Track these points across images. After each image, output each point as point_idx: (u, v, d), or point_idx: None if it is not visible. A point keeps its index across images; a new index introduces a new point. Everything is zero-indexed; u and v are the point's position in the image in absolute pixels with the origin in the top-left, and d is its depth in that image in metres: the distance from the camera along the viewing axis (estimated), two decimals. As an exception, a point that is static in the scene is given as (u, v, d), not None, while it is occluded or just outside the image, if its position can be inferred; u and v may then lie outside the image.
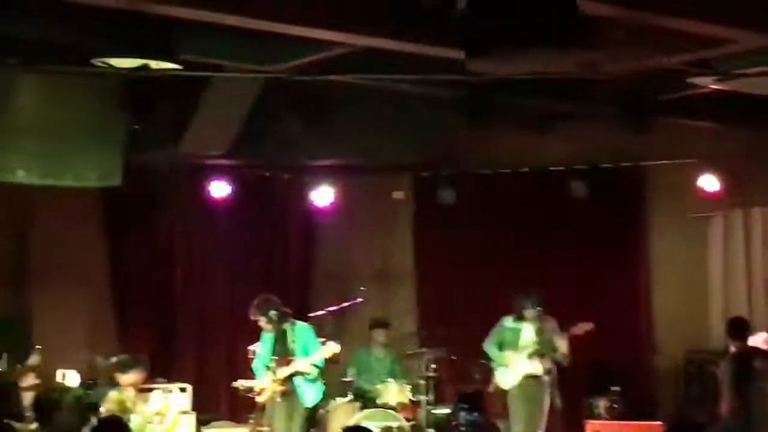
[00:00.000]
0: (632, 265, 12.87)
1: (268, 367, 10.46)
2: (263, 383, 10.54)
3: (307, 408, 10.57)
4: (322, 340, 10.86)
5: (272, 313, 10.46)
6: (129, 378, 10.28)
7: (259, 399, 10.63)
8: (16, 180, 9.50)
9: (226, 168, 12.51)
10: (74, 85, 9.20)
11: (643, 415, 11.42)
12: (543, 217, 12.93)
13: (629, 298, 12.86)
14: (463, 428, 11.65)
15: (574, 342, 10.75)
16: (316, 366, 10.41)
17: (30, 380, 9.64)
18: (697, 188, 12.15)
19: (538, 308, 10.67)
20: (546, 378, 10.68)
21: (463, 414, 11.85)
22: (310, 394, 10.51)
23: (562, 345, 10.65)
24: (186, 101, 9.91)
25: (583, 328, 10.70)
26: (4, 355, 10.33)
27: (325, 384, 10.92)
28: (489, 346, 11.04)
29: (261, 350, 10.71)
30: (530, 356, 10.76)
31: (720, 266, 12.46)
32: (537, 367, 10.74)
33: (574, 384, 11.67)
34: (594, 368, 12.05)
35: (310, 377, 10.43)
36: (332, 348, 10.45)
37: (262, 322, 10.54)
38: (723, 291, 12.43)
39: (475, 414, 11.78)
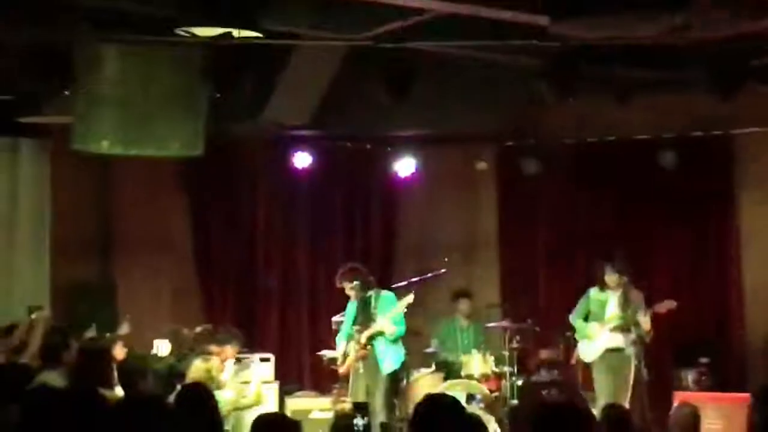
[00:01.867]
0: (721, 236, 12.63)
1: (350, 335, 10.48)
2: (346, 351, 10.56)
3: (388, 377, 10.55)
4: (405, 311, 10.86)
5: (356, 282, 10.50)
6: (224, 352, 10.37)
7: (340, 369, 10.66)
8: (101, 150, 9.59)
9: (308, 138, 12.51)
10: (157, 56, 9.25)
11: (731, 388, 11.22)
12: (629, 187, 12.75)
13: (718, 269, 12.64)
14: (544, 388, 11.53)
15: (658, 319, 10.60)
16: (396, 325, 10.39)
17: (120, 349, 9.77)
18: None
19: (623, 276, 10.52)
20: (630, 351, 10.53)
21: (543, 373, 11.76)
22: (389, 359, 10.49)
23: (645, 322, 10.49)
24: (268, 71, 9.91)
25: (666, 306, 10.55)
26: (93, 324, 10.48)
27: (407, 355, 10.92)
28: (575, 318, 10.97)
29: (346, 319, 10.75)
30: (613, 330, 10.64)
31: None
32: (619, 341, 10.61)
33: (662, 356, 11.57)
34: (682, 340, 11.88)
35: (390, 338, 10.42)
36: (407, 299, 10.44)
37: (348, 288, 10.56)
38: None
39: (555, 372, 11.68)
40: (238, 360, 10.93)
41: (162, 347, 10.69)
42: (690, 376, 11.60)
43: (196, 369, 9.64)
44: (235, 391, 9.80)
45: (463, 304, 12.10)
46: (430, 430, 4.35)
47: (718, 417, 10.19)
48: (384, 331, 10.44)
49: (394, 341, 10.52)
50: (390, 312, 10.44)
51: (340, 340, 10.80)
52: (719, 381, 11.56)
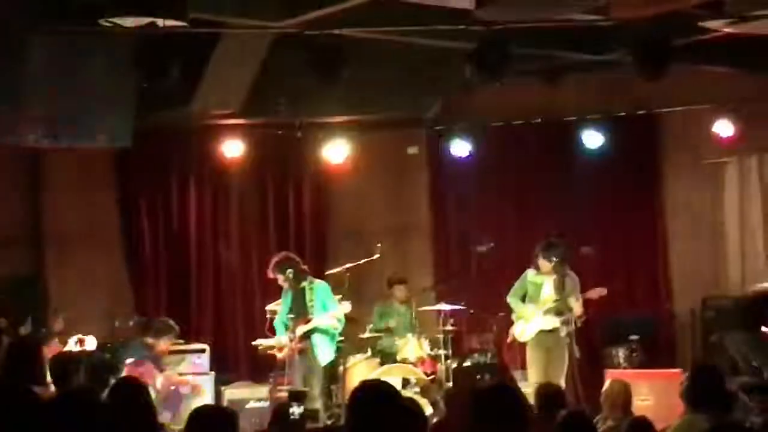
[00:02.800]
0: (648, 212, 12.80)
1: (286, 325, 10.50)
2: (283, 341, 10.58)
3: (325, 367, 10.63)
4: (339, 297, 10.90)
5: (289, 271, 10.50)
6: (160, 344, 10.34)
7: (279, 356, 10.67)
8: (28, 143, 9.48)
9: (237, 127, 12.46)
10: (84, 46, 9.14)
11: (662, 363, 11.40)
12: (557, 168, 12.87)
13: (645, 246, 12.80)
14: (477, 373, 11.63)
15: (589, 303, 10.75)
16: (340, 323, 10.49)
17: (55, 345, 9.70)
18: (711, 134, 12.04)
19: (557, 261, 10.63)
20: (563, 331, 10.64)
21: (476, 355, 11.86)
22: (326, 352, 10.57)
23: (577, 306, 10.64)
24: (196, 60, 9.86)
25: (597, 292, 10.71)
26: (29, 319, 10.40)
27: (342, 341, 10.97)
28: (512, 299, 11.06)
29: (281, 308, 10.76)
30: (546, 312, 10.76)
31: (736, 212, 12.37)
32: (553, 322, 10.73)
33: (592, 334, 11.70)
34: (613, 318, 12.02)
35: (329, 334, 10.48)
36: (344, 308, 10.55)
37: (281, 280, 10.58)
38: (739, 236, 12.35)
39: (488, 355, 11.78)
40: (174, 352, 10.92)
41: (88, 341, 10.61)
42: (621, 354, 11.72)
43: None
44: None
45: (400, 291, 12.11)
46: (366, 417, 4.38)
47: (649, 393, 10.36)
48: (323, 327, 10.47)
49: (331, 337, 10.59)
50: (331, 306, 10.47)
51: (278, 328, 10.79)
52: (649, 358, 11.71)
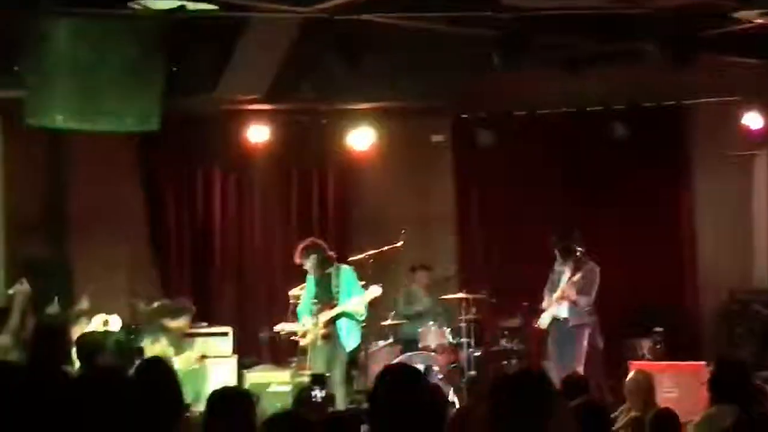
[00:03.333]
0: (675, 204, 12.75)
1: (310, 310, 10.50)
2: (306, 326, 10.58)
3: (349, 353, 10.63)
4: (363, 283, 10.90)
5: (313, 256, 10.49)
6: (178, 324, 10.40)
7: (302, 342, 10.67)
8: (55, 125, 9.49)
9: (264, 112, 12.46)
10: (111, 29, 9.15)
11: (686, 356, 11.34)
12: (583, 158, 12.83)
13: (672, 238, 12.75)
14: (504, 358, 11.63)
15: (611, 283, 10.72)
16: (365, 309, 10.48)
17: (83, 324, 9.74)
18: (740, 126, 11.96)
19: (572, 250, 10.63)
20: (571, 322, 10.65)
21: (503, 341, 11.85)
22: (351, 337, 10.56)
23: (570, 293, 10.68)
24: (224, 44, 9.86)
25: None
26: (55, 299, 10.44)
27: (365, 327, 10.97)
28: (547, 288, 11.08)
29: (305, 293, 10.76)
30: (557, 300, 10.77)
31: (764, 204, 12.31)
32: (563, 311, 10.74)
33: (617, 325, 11.65)
34: (637, 309, 11.98)
35: (356, 319, 10.47)
36: (373, 292, 10.50)
37: (307, 265, 10.55)
38: (767, 230, 12.28)
39: (516, 341, 11.78)
40: (196, 334, 10.96)
41: (112, 322, 10.66)
42: (645, 345, 11.69)
43: (151, 350, 9.67)
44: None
45: (423, 277, 12.11)
46: (391, 400, 4.36)
47: (673, 385, 10.29)
48: (349, 312, 10.46)
49: (357, 323, 10.58)
50: (356, 297, 10.45)
51: (302, 314, 10.79)
52: (674, 350, 11.66)
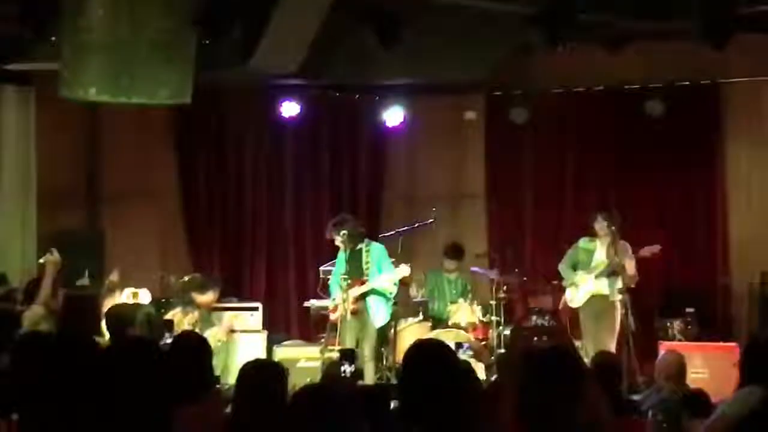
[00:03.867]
0: (708, 186, 12.63)
1: (340, 286, 10.50)
2: (336, 301, 10.59)
3: (379, 329, 10.63)
4: (393, 260, 10.88)
5: (343, 232, 10.47)
6: (206, 297, 10.46)
7: (332, 317, 10.67)
8: (88, 97, 9.49)
9: (295, 87, 12.44)
10: (145, 1, 9.14)
11: (717, 337, 11.28)
12: (618, 136, 12.75)
13: (705, 218, 12.64)
14: (535, 335, 11.60)
15: (643, 264, 10.66)
16: (396, 286, 10.47)
17: (113, 297, 9.80)
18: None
19: (612, 227, 10.59)
20: (615, 297, 10.62)
21: (534, 318, 11.82)
22: (380, 314, 10.56)
23: (630, 267, 10.60)
24: (256, 18, 9.82)
25: (650, 250, 10.64)
26: (86, 271, 10.48)
27: (396, 304, 10.96)
28: (563, 266, 11.06)
29: (335, 269, 10.76)
30: (598, 276, 10.72)
31: (799, 187, 12.20)
32: (604, 286, 10.70)
33: (648, 306, 11.62)
34: (668, 290, 11.92)
35: (385, 296, 10.47)
36: (403, 271, 10.50)
37: (338, 240, 10.55)
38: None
39: (546, 318, 11.74)
40: (222, 309, 11.02)
41: (142, 295, 10.72)
42: (676, 326, 11.62)
43: (178, 322, 9.73)
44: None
45: (450, 264, 11.97)
46: (421, 374, 4.35)
47: (703, 366, 10.26)
48: (379, 289, 10.45)
49: (387, 299, 10.58)
50: (386, 274, 10.44)
51: (332, 289, 10.79)
52: (705, 331, 11.60)
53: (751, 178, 12.49)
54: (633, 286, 10.72)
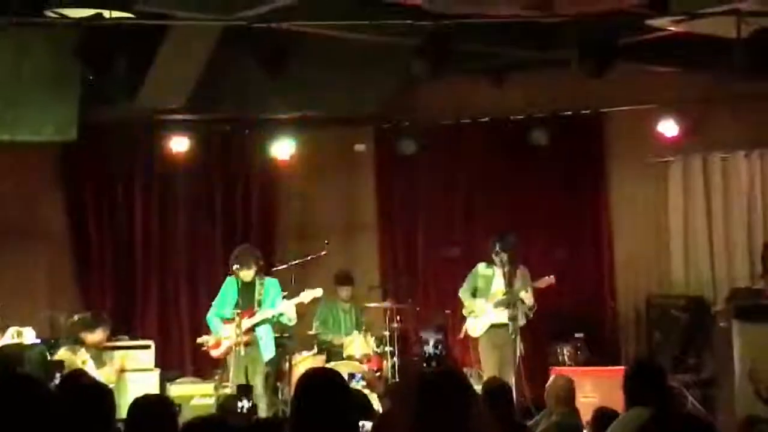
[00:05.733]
0: (593, 211, 12.88)
1: (231, 319, 10.39)
2: (221, 335, 10.47)
3: (268, 362, 10.56)
4: (286, 294, 10.87)
5: (236, 266, 10.37)
6: (95, 336, 10.32)
7: (214, 353, 10.55)
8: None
9: (184, 122, 12.38)
10: (28, 37, 9.04)
11: (606, 361, 11.48)
12: (505, 164, 12.93)
13: (591, 244, 12.88)
14: (426, 363, 11.66)
15: (537, 295, 10.83)
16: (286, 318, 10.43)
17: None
18: (656, 133, 12.17)
19: (509, 253, 10.70)
20: (511, 327, 10.69)
21: (426, 348, 11.86)
22: (269, 346, 10.50)
23: (528, 297, 10.73)
24: (143, 53, 9.79)
25: (545, 282, 10.80)
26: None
27: (289, 338, 10.92)
28: (463, 293, 11.13)
29: (219, 303, 10.63)
30: (497, 305, 10.81)
31: (680, 211, 12.48)
32: (503, 317, 10.77)
33: (538, 331, 11.72)
34: (559, 315, 12.07)
35: (284, 324, 10.43)
36: (314, 293, 10.49)
37: (243, 272, 10.39)
38: (683, 235, 12.46)
39: (439, 347, 11.80)
40: (112, 348, 10.87)
41: (27, 334, 10.52)
42: (566, 351, 11.80)
43: (66, 359, 9.58)
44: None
45: (344, 291, 12.01)
46: (314, 402, 4.36)
47: (593, 390, 10.43)
48: (269, 319, 10.39)
49: (274, 329, 10.53)
50: (278, 303, 10.41)
51: (214, 323, 10.66)
52: (594, 355, 11.80)
53: (635, 204, 12.77)
54: (531, 316, 10.87)
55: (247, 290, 10.45)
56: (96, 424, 5.07)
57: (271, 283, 10.63)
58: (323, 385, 4.44)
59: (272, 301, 10.50)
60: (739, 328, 7.93)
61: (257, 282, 10.50)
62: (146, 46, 9.74)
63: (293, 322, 10.61)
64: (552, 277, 10.81)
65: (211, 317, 10.68)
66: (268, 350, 10.49)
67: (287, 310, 10.42)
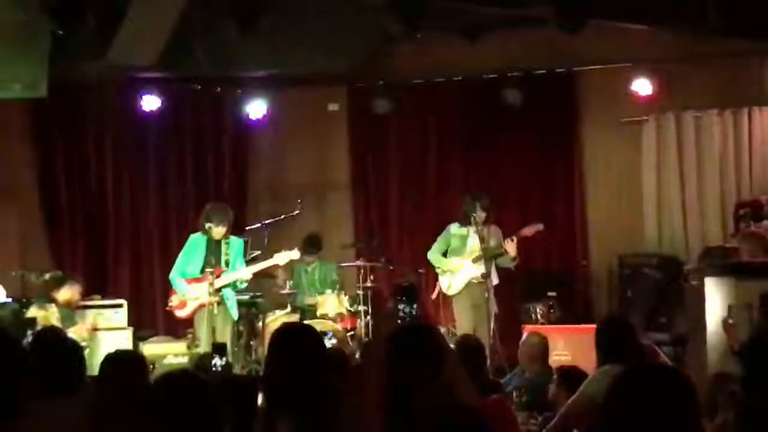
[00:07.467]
0: (567, 170, 12.86)
1: (196, 278, 10.23)
2: (188, 295, 10.30)
3: (236, 321, 10.47)
4: (259, 252, 10.83)
5: (208, 225, 10.24)
6: (67, 295, 10.27)
7: (179, 313, 10.44)
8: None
9: (156, 80, 12.28)
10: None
11: (579, 319, 11.52)
12: (478, 124, 12.92)
13: (563, 203, 12.87)
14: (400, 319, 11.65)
15: (523, 244, 10.75)
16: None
17: None
18: (630, 92, 12.17)
19: (484, 213, 10.64)
20: (492, 281, 10.62)
21: (401, 306, 11.85)
22: (235, 306, 10.37)
23: (511, 248, 10.60)
24: (113, 9, 9.65)
25: (533, 229, 10.72)
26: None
27: (263, 297, 10.88)
28: (434, 254, 10.99)
29: (181, 261, 10.45)
30: (475, 261, 10.71)
31: (653, 170, 12.50)
32: (482, 272, 10.67)
33: (511, 290, 11.75)
34: (531, 274, 12.10)
35: (241, 285, 10.33)
36: (292, 254, 10.43)
37: (218, 229, 10.23)
38: (656, 194, 12.49)
39: (414, 306, 11.79)
40: (84, 307, 10.82)
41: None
42: (538, 309, 11.82)
43: (38, 317, 9.55)
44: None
45: (308, 257, 11.92)
46: (288, 355, 4.35)
47: (566, 348, 10.45)
48: (242, 279, 10.29)
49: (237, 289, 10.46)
50: (240, 264, 10.30)
51: (178, 282, 10.38)
52: (567, 314, 11.83)
53: (608, 163, 12.78)
54: (513, 267, 10.81)
55: (214, 249, 10.30)
56: (68, 378, 5.06)
57: (237, 242, 10.47)
58: (297, 338, 4.44)
59: (233, 263, 10.33)
60: (713, 286, 7.95)
61: (223, 241, 10.33)
62: (116, 1, 9.61)
63: (245, 285, 10.48)
64: (540, 225, 10.75)
65: (175, 276, 10.39)
66: (235, 309, 10.38)
67: (242, 274, 10.27)
